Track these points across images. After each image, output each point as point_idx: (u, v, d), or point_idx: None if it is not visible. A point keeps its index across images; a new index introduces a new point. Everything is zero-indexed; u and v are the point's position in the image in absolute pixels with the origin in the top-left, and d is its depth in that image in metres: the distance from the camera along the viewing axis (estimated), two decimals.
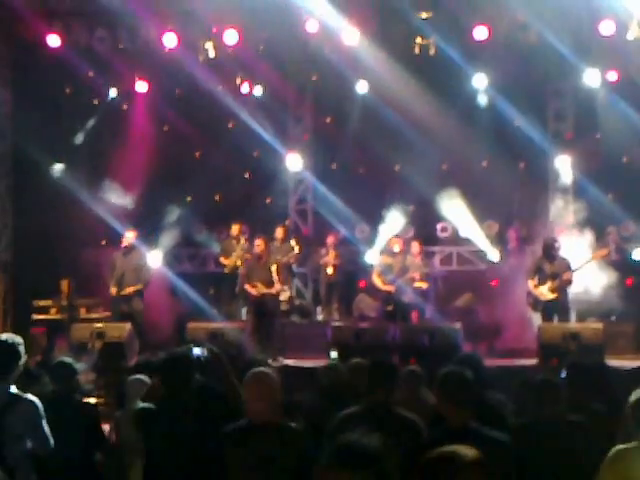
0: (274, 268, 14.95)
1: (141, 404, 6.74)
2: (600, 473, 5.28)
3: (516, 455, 5.92)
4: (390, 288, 14.92)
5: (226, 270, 16.42)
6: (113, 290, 14.75)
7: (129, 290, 14.77)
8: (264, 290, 14.83)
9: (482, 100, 17.03)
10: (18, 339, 6.44)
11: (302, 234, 18.47)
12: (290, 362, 13.28)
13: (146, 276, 15.06)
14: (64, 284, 16.01)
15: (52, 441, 6.41)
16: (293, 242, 16.91)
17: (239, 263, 16.07)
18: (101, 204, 17.46)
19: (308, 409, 7.29)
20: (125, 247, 15.00)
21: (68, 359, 7.73)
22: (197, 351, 6.79)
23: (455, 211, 17.00)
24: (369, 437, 3.32)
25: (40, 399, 6.91)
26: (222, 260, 16.65)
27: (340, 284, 17.47)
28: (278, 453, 5.80)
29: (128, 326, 13.95)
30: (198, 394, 6.41)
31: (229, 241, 16.73)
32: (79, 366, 7.55)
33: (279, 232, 16.92)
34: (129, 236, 15.06)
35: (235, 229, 16.63)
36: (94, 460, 7.31)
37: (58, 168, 17.81)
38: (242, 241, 16.42)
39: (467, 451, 3.39)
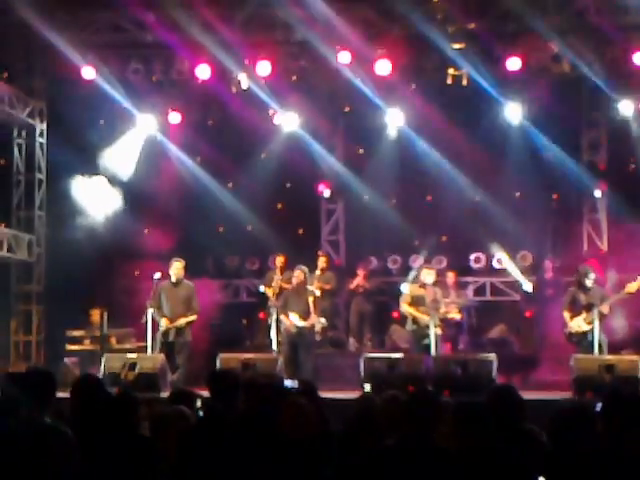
0: (311, 299, 14.89)
1: None
2: None
3: None
4: (426, 317, 14.72)
5: (269, 303, 16.30)
6: (165, 321, 14.57)
7: (182, 322, 14.64)
8: (300, 322, 14.78)
9: (515, 131, 16.97)
10: (51, 370, 6.44)
11: (334, 265, 18.45)
12: (322, 394, 13.19)
13: (197, 306, 14.89)
14: (96, 314, 16.06)
15: (84, 473, 6.36)
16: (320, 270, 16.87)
17: (276, 293, 16.03)
18: (134, 233, 17.58)
19: (341, 440, 7.24)
20: (165, 276, 14.79)
21: (131, 392, 7.66)
22: (288, 383, 6.88)
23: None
24: None
25: (100, 434, 6.85)
26: (266, 290, 16.57)
27: (372, 314, 17.44)
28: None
29: (161, 357, 13.92)
30: None
31: (273, 272, 16.67)
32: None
33: (322, 261, 16.91)
34: (177, 266, 14.74)
35: (280, 261, 16.57)
36: None
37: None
38: (278, 272, 16.39)
39: None
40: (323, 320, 15.60)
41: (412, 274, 16.65)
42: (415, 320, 14.83)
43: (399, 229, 17.81)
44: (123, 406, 7.24)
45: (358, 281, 17.30)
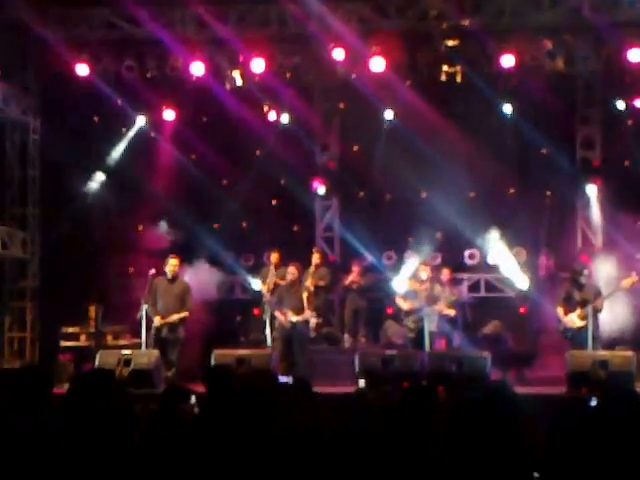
0: (305, 295, 14.98)
1: None
2: None
3: None
4: (412, 305, 14.93)
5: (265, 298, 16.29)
6: (158, 318, 14.62)
7: (174, 318, 14.67)
8: (294, 317, 14.84)
9: (509, 127, 16.99)
10: (48, 367, 6.44)
11: (329, 261, 18.46)
12: (317, 389, 13.18)
13: (191, 304, 14.93)
14: (92, 310, 16.05)
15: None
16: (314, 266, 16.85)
17: (270, 289, 16.04)
18: (129, 231, 17.60)
19: (335, 437, 7.24)
20: (160, 273, 14.83)
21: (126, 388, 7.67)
22: (283, 379, 6.96)
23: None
24: None
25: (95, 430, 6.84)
26: (261, 287, 16.57)
27: (366, 310, 17.43)
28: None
29: (155, 353, 13.94)
30: None
31: (268, 269, 16.69)
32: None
33: (316, 257, 16.92)
34: (173, 263, 14.86)
35: (274, 257, 16.60)
36: None
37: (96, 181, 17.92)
38: (273, 268, 16.41)
39: None
40: (314, 319, 15.61)
41: (406, 270, 16.67)
42: (407, 312, 15.04)
43: (394, 226, 17.82)
44: (117, 402, 7.25)
45: (353, 277, 17.30)
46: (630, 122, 17.11)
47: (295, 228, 18.98)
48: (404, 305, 15.37)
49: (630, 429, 6.75)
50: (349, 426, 7.41)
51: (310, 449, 6.03)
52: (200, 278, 16.26)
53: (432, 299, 15.06)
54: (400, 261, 17.56)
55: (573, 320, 13.96)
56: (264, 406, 6.50)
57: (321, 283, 16.70)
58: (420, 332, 15.00)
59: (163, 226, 17.19)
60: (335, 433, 7.41)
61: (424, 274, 15.37)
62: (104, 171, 17.80)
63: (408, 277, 16.15)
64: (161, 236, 17.20)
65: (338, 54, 15.65)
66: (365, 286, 17.38)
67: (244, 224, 18.78)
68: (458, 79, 15.87)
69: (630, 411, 6.94)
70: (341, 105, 18.38)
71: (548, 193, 18.00)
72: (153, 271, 14.79)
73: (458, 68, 15.80)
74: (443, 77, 15.97)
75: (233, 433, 6.74)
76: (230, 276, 18.26)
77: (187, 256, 16.49)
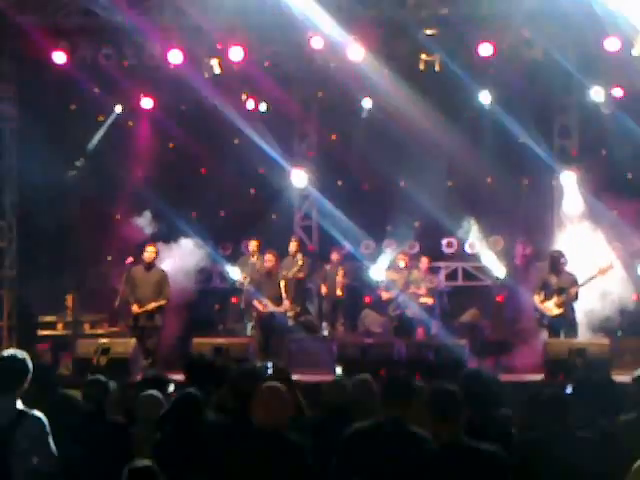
0: (283, 284, 14.98)
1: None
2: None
3: (522, 470, 5.89)
4: (390, 295, 15.10)
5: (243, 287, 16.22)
6: (135, 306, 14.60)
7: (151, 306, 14.66)
8: (272, 307, 14.85)
9: (487, 116, 17.03)
10: (24, 354, 6.39)
11: (307, 250, 18.45)
12: (295, 377, 13.22)
13: (168, 292, 14.93)
14: (69, 298, 16.01)
15: (56, 457, 6.33)
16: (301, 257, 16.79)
17: (248, 278, 15.99)
18: (106, 220, 17.54)
19: (313, 425, 7.27)
20: (137, 261, 14.85)
21: (101, 377, 7.69)
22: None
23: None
24: None
25: (73, 417, 6.85)
26: (240, 276, 16.53)
27: (345, 300, 17.44)
28: (276, 463, 5.82)
29: (133, 341, 13.93)
30: None
31: (247, 257, 16.66)
32: (112, 384, 7.50)
33: (292, 246, 16.88)
34: (150, 250, 14.89)
35: (253, 246, 16.57)
36: None
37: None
38: (251, 257, 16.38)
39: None
40: (295, 305, 15.61)
41: (384, 260, 16.71)
42: (387, 302, 15.18)
43: (372, 214, 17.85)
44: (95, 391, 7.27)
45: (338, 279, 16.98)
46: (607, 110, 17.17)
47: (273, 217, 18.97)
48: (384, 295, 15.52)
49: (603, 415, 6.80)
50: (327, 414, 7.44)
51: (291, 438, 6.05)
52: (178, 263, 16.24)
53: (408, 285, 15.19)
54: (378, 250, 17.60)
55: (550, 308, 14.03)
56: (244, 395, 6.52)
57: (300, 275, 16.62)
58: (402, 319, 15.13)
59: (147, 216, 17.08)
60: (314, 419, 7.43)
61: (402, 263, 15.49)
62: (79, 160, 17.75)
63: (386, 268, 16.23)
64: (140, 225, 17.13)
65: (316, 43, 15.61)
66: (347, 283, 17.31)
67: (222, 213, 18.77)
68: (436, 68, 15.84)
69: (604, 397, 7.01)
70: (319, 94, 18.38)
71: (525, 182, 18.08)
72: (130, 260, 14.78)
73: (436, 57, 15.78)
74: (421, 66, 15.95)
75: (213, 421, 6.75)
76: (208, 265, 18.24)
77: (164, 244, 16.47)
